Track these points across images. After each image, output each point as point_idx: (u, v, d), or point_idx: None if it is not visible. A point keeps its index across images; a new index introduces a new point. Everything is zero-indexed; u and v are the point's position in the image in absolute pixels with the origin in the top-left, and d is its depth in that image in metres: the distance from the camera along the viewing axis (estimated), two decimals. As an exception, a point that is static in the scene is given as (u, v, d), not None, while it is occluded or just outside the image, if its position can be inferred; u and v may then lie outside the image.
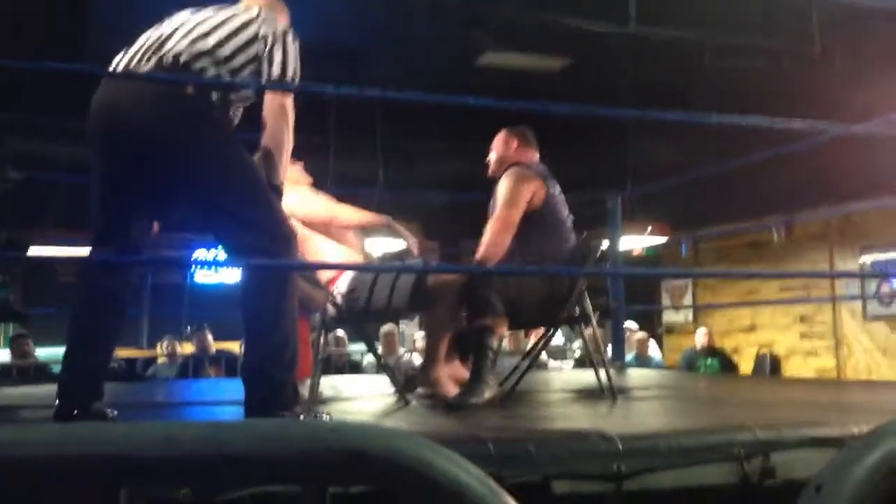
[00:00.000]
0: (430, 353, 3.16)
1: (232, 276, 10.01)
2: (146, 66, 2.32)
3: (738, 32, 5.91)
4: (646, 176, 6.39)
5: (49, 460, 0.57)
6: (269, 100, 2.38)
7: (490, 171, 3.51)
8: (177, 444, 0.59)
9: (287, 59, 2.39)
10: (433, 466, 0.59)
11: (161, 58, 2.31)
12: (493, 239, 3.22)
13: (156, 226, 2.57)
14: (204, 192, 2.28)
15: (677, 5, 5.48)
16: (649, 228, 7.37)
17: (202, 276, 10.18)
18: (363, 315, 3.23)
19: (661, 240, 8.12)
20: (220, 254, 9.39)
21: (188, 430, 0.61)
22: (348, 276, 3.22)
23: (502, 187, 3.32)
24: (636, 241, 7.32)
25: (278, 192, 2.38)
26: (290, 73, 2.39)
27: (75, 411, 2.27)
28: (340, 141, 7.18)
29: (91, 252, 2.43)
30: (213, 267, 10.38)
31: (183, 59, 2.30)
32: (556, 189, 3.41)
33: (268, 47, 2.37)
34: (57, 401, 2.30)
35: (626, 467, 1.80)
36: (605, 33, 5.60)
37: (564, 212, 3.41)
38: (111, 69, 2.39)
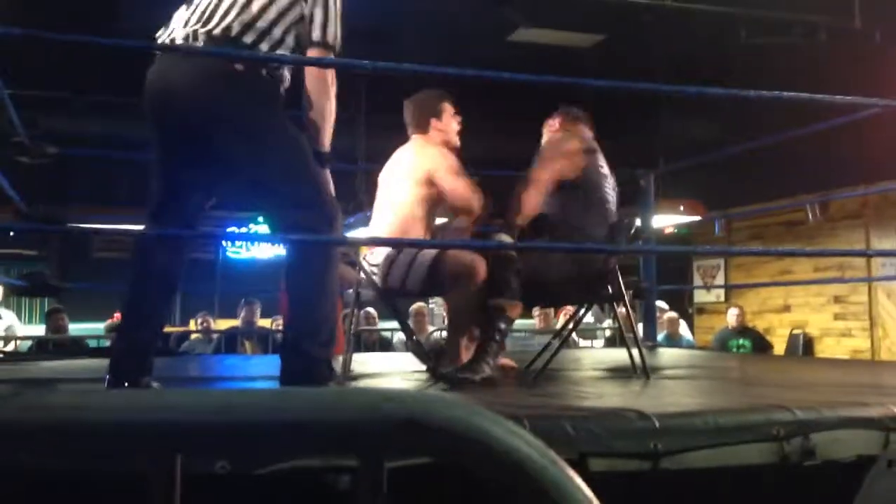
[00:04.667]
0: (451, 337, 3.14)
1: (264, 252, 10.10)
2: (196, 42, 2.30)
3: (775, 6, 5.80)
4: (679, 154, 6.32)
5: (107, 425, 0.58)
6: (311, 67, 2.36)
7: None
8: (234, 411, 0.59)
9: (328, 20, 2.34)
10: (491, 436, 0.58)
11: (210, 32, 2.29)
12: (519, 197, 3.24)
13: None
14: (251, 168, 2.28)
15: (713, -21, 5.40)
16: (682, 207, 7.29)
17: (234, 252, 10.24)
18: (383, 294, 3.23)
19: (694, 218, 8.04)
20: (261, 229, 9.49)
21: (246, 398, 0.61)
22: (379, 252, 3.21)
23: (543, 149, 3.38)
24: (669, 220, 7.24)
25: (323, 160, 2.38)
26: (330, 35, 2.35)
27: (126, 385, 2.30)
28: (371, 118, 7.18)
29: (145, 227, 2.45)
30: (249, 242, 10.46)
31: (233, 33, 2.28)
32: (601, 162, 3.38)
33: (308, 7, 2.33)
34: (108, 375, 2.34)
35: (662, 446, 1.79)
36: (640, 8, 5.52)
37: (608, 188, 3.37)
38: (159, 44, 2.39)
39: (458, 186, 3.20)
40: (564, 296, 3.62)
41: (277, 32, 2.32)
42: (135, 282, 2.43)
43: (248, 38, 2.29)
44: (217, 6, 2.33)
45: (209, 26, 2.30)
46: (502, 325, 2.98)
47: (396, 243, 3.20)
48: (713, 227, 8.64)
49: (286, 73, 2.41)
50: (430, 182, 3.22)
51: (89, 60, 6.16)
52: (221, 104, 2.26)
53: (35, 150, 3.84)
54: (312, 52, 2.34)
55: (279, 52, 2.35)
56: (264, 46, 2.31)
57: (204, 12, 2.34)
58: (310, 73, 2.35)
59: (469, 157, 3.43)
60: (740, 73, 6.39)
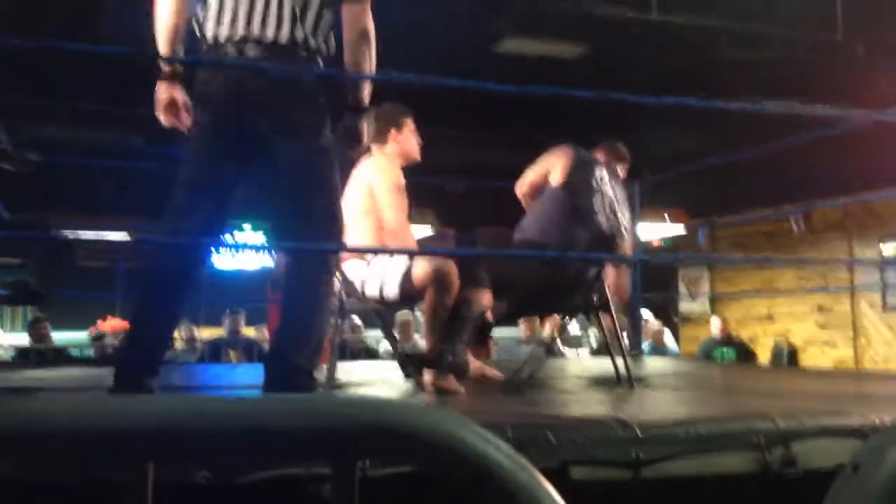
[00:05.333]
0: (429, 343, 3.14)
1: (249, 262, 10.09)
2: (259, 48, 2.30)
3: (758, 20, 5.85)
4: (663, 164, 6.35)
5: (78, 432, 0.58)
6: (351, 19, 2.34)
7: None
8: (205, 418, 0.59)
9: None
10: (462, 442, 0.59)
11: (275, 41, 2.29)
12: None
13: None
14: (288, 176, 2.30)
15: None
16: (667, 217, 7.32)
17: (221, 263, 10.20)
18: (367, 304, 3.24)
19: (678, 229, 8.08)
20: (247, 238, 9.44)
21: (217, 405, 0.61)
22: (353, 264, 3.22)
23: None
24: (654, 231, 7.27)
25: (362, 113, 2.40)
26: None
27: (131, 386, 2.26)
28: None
29: (166, 227, 2.42)
30: (237, 251, 10.44)
31: (298, 41, 2.30)
32: (594, 175, 3.43)
33: None
34: (114, 374, 2.29)
35: (644, 454, 1.80)
36: (625, 20, 5.56)
37: (598, 201, 3.40)
38: (211, 43, 2.35)
39: (391, 203, 3.19)
40: (532, 305, 3.67)
41: (324, 23, 2.34)
42: (149, 280, 2.39)
43: (313, 43, 2.32)
44: (266, 11, 2.30)
45: (269, 35, 2.29)
46: (467, 315, 3.00)
47: (381, 251, 3.21)
48: (697, 238, 8.68)
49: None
50: (372, 193, 3.24)
51: (74, 68, 6.13)
52: (287, 111, 2.28)
53: (18, 158, 3.83)
54: (348, 7, 2.34)
55: (330, 39, 2.38)
56: (322, 43, 2.34)
57: (250, 17, 2.30)
58: (351, 27, 2.34)
59: (451, 166, 3.45)
60: (724, 84, 6.44)
